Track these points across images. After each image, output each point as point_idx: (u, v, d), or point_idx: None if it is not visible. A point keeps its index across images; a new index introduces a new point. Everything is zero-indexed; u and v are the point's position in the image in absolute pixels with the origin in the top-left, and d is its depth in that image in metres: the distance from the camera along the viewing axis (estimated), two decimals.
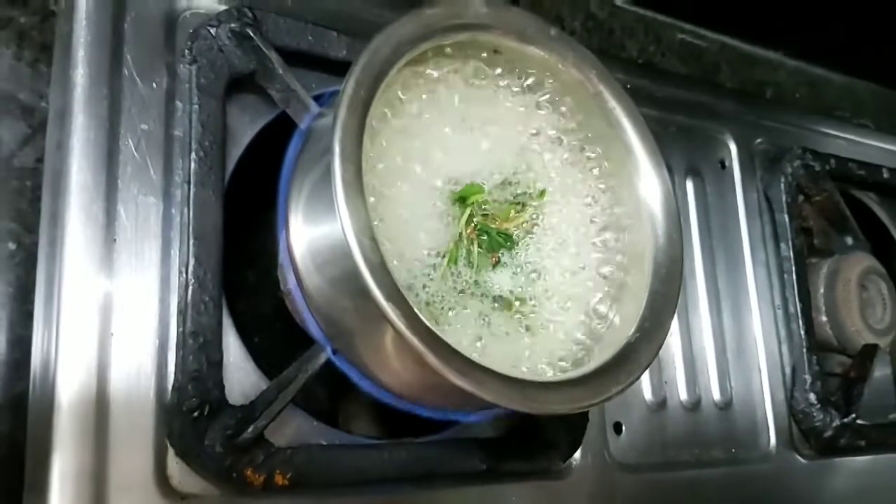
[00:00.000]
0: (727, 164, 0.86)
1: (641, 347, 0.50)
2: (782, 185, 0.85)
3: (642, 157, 0.55)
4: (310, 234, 0.50)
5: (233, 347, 0.53)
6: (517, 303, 0.53)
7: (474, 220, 0.53)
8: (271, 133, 0.57)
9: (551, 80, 0.56)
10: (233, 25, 0.54)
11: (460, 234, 0.52)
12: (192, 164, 0.52)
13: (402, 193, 0.51)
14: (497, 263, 0.53)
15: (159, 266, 0.51)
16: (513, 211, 0.55)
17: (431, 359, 0.42)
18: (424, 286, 0.50)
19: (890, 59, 1.11)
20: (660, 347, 0.51)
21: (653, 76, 0.85)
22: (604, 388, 0.48)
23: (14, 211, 0.57)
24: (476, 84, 0.55)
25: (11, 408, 0.54)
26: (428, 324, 0.43)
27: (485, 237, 0.53)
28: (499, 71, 0.55)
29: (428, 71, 0.52)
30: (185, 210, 0.51)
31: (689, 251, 0.79)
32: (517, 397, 0.44)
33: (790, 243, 0.84)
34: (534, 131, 0.56)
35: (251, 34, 0.54)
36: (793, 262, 0.84)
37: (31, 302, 0.54)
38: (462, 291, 0.52)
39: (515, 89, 0.56)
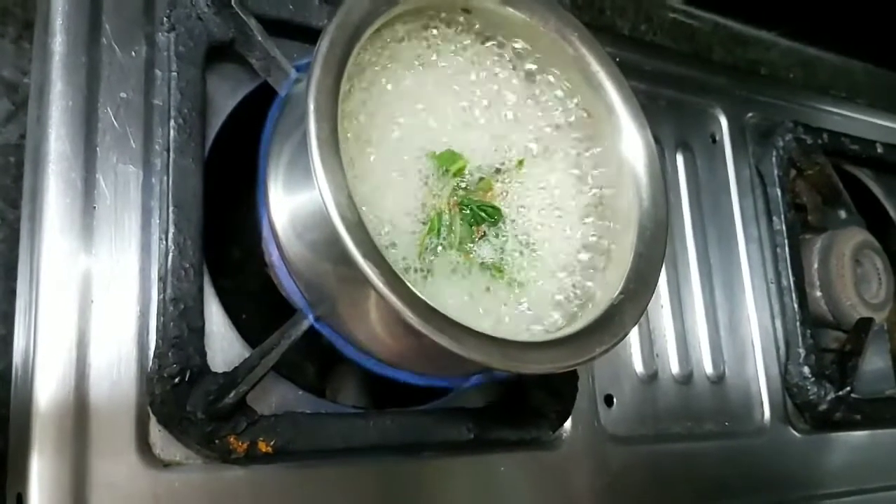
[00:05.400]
0: (718, 138, 0.85)
1: (626, 309, 0.50)
2: (774, 160, 0.85)
3: (625, 119, 0.55)
4: (289, 201, 0.50)
5: (216, 317, 0.53)
6: (499, 270, 0.53)
7: (457, 192, 0.53)
8: (253, 103, 0.56)
9: (532, 43, 0.55)
10: None
11: (442, 207, 0.52)
12: (172, 132, 0.51)
13: (379, 160, 0.50)
14: (482, 237, 0.53)
15: (139, 234, 0.51)
16: (493, 181, 0.54)
17: (409, 315, 0.41)
18: (404, 256, 0.49)
19: (884, 39, 1.10)
20: (645, 308, 0.51)
21: (642, 50, 0.85)
22: (588, 348, 0.48)
23: None
24: (453, 48, 0.54)
25: None
26: (406, 282, 0.43)
27: (467, 211, 0.52)
28: (476, 34, 0.55)
29: (403, 35, 0.52)
30: (165, 178, 0.51)
31: (679, 225, 0.79)
32: (497, 355, 0.44)
33: (783, 217, 0.83)
34: (513, 96, 0.56)
35: (230, 2, 0.54)
36: (785, 236, 0.83)
37: (15, 278, 0.54)
38: (443, 259, 0.51)
39: (495, 53, 0.56)
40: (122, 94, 0.52)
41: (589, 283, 0.54)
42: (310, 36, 0.58)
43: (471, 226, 0.52)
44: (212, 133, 0.55)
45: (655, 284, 0.52)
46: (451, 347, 0.42)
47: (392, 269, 0.43)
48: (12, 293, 0.54)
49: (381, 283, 0.41)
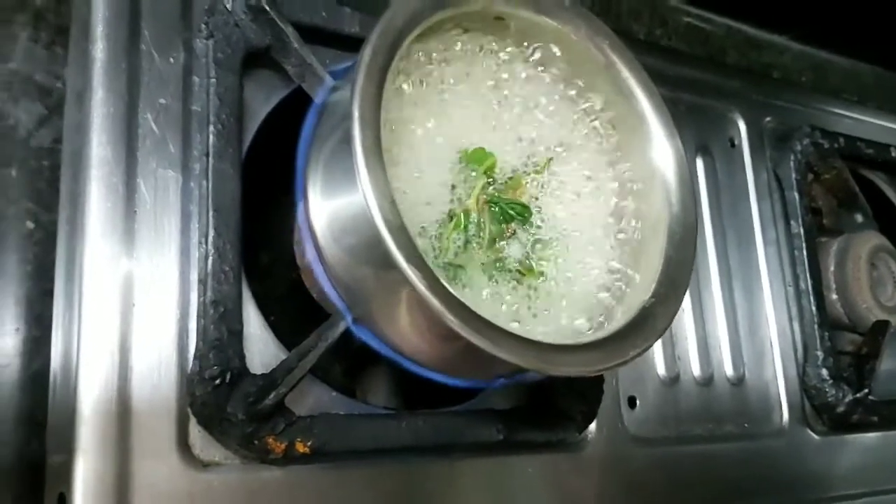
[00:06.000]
0: (737, 142, 0.86)
1: (658, 312, 0.51)
2: (792, 164, 0.86)
3: (655, 125, 0.56)
4: (328, 204, 0.50)
5: (253, 320, 0.54)
6: (529, 270, 0.53)
7: (487, 190, 0.53)
8: (287, 109, 0.57)
9: (563, 50, 0.56)
10: (249, 0, 0.54)
11: (471, 205, 0.52)
12: (211, 138, 0.52)
13: (411, 161, 0.51)
14: (512, 235, 0.54)
15: (179, 238, 0.52)
16: (522, 179, 0.55)
17: (450, 318, 0.42)
18: (434, 256, 0.50)
19: (892, 42, 1.11)
20: (676, 312, 0.51)
21: (662, 55, 0.86)
22: (620, 352, 0.48)
23: (32, 190, 0.58)
24: (485, 55, 0.55)
25: (32, 383, 0.54)
26: (447, 285, 0.43)
27: (496, 209, 0.53)
28: (510, 40, 0.56)
29: (441, 41, 0.53)
30: (204, 182, 0.52)
31: (700, 228, 0.79)
32: (532, 357, 0.44)
33: (800, 221, 0.84)
34: (545, 101, 0.56)
35: (267, 9, 0.54)
36: (803, 239, 0.84)
37: (50, 280, 0.54)
38: (472, 259, 0.52)
39: (527, 60, 0.56)
40: (162, 101, 0.53)
41: (620, 286, 0.54)
42: (342, 43, 0.60)
43: (500, 224, 0.53)
44: (247, 138, 0.56)
45: (686, 288, 0.52)
46: (488, 349, 0.43)
47: (433, 272, 0.43)
48: (46, 295, 0.55)
49: (423, 286, 0.42)
